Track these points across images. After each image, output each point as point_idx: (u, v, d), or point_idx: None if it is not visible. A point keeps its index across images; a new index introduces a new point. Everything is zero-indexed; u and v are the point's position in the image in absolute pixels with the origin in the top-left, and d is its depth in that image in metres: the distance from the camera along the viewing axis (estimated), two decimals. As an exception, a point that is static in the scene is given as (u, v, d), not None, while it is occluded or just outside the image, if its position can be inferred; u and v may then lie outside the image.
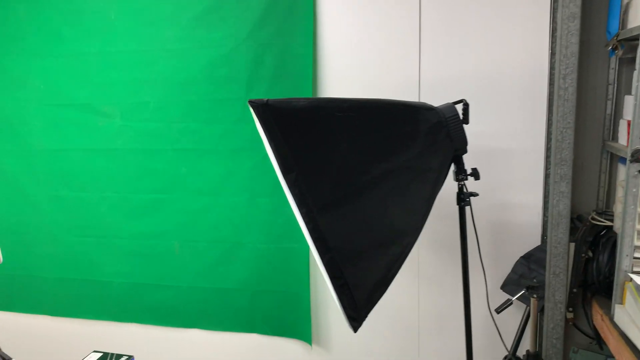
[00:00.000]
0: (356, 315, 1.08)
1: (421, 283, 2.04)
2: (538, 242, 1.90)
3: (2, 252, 2.48)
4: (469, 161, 1.39)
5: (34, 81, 2.30)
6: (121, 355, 1.39)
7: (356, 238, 1.10)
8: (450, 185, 1.40)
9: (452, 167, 1.37)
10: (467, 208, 1.40)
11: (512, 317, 1.91)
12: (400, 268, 1.17)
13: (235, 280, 2.23)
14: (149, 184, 2.25)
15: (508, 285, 1.86)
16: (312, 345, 2.19)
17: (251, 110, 1.05)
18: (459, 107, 1.33)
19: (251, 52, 2.04)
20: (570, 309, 1.72)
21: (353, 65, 1.98)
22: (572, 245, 1.70)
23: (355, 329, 1.10)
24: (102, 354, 1.41)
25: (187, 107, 2.15)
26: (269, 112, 1.03)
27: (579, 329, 1.80)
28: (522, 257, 1.88)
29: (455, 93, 1.79)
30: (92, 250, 2.38)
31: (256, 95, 2.06)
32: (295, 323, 2.19)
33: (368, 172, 1.11)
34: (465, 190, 1.39)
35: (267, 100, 1.03)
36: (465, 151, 1.32)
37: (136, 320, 2.39)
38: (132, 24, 2.15)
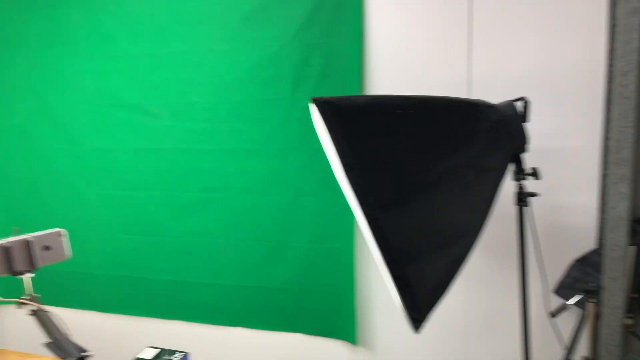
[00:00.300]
0: (418, 316, 1.07)
1: (470, 285, 2.00)
2: (592, 245, 1.84)
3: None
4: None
5: (87, 82, 2.37)
6: (175, 351, 1.41)
7: (417, 238, 1.08)
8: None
9: (511, 167, 1.33)
10: (525, 209, 1.36)
11: (563, 321, 1.85)
12: (462, 269, 1.14)
13: (280, 279, 2.23)
14: (196, 183, 2.28)
15: (562, 289, 1.80)
16: (357, 346, 2.17)
17: (312, 108, 1.05)
18: (519, 105, 1.29)
19: (298, 52, 2.05)
20: (630, 315, 1.66)
21: (400, 64, 1.96)
22: (632, 248, 1.63)
23: (417, 330, 1.08)
24: (157, 349, 1.43)
25: (234, 107, 2.17)
26: (331, 109, 1.02)
27: (638, 337, 1.73)
28: (577, 260, 1.82)
29: (506, 91, 1.75)
30: (140, 248, 2.43)
31: (302, 96, 2.07)
32: (340, 323, 2.18)
33: (430, 171, 1.10)
34: (524, 190, 1.35)
35: (330, 97, 1.03)
36: (525, 150, 1.29)
37: (182, 318, 2.43)
38: (181, 25, 2.19)
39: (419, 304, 1.06)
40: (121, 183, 2.40)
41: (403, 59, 1.96)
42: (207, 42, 2.16)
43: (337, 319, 2.18)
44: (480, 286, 1.99)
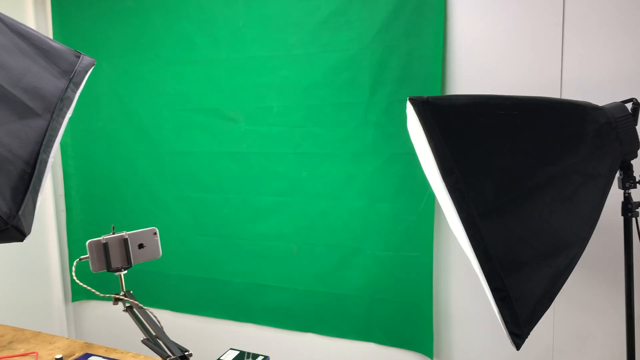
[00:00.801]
0: (519, 331, 0.99)
1: (558, 301, 1.87)
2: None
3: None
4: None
5: (167, 87, 2.44)
6: (257, 355, 1.39)
7: (520, 247, 1.01)
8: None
9: (618, 174, 1.23)
10: (633, 220, 1.24)
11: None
12: (566, 282, 1.06)
13: (353, 286, 2.19)
14: (270, 187, 2.29)
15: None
16: (433, 359, 2.09)
17: (409, 108, 1.01)
18: (629, 107, 1.19)
19: (376, 54, 2.01)
20: None
21: (485, 66, 1.87)
22: None
23: (518, 347, 1.01)
24: (239, 352, 1.43)
25: (309, 112, 2.16)
26: (429, 109, 0.97)
27: None
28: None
29: (604, 94, 1.63)
30: (214, 250, 2.46)
31: (379, 99, 2.02)
32: (415, 335, 2.11)
33: (533, 176, 1.02)
34: (632, 199, 1.24)
35: (427, 97, 0.98)
36: (635, 155, 1.18)
37: (253, 321, 2.44)
38: (260, 30, 2.21)
39: (519, 318, 0.99)
40: (198, 185, 2.45)
41: (488, 60, 1.87)
42: (284, 47, 2.17)
43: (413, 330, 2.11)
44: (571, 303, 1.86)
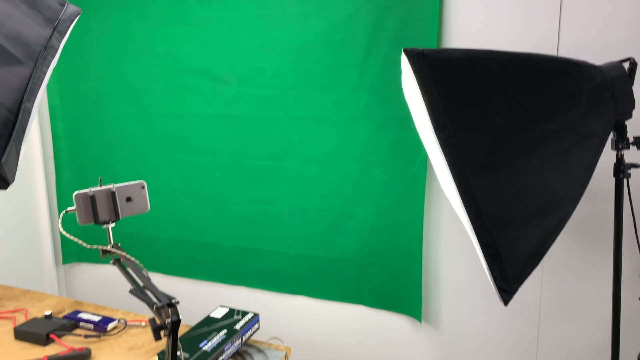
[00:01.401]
0: (507, 287, 1.00)
1: (545, 265, 1.89)
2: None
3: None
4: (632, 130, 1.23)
5: (157, 47, 2.38)
6: (247, 312, 1.40)
7: (510, 205, 1.01)
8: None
9: (611, 135, 1.22)
10: (624, 181, 1.24)
11: (654, 309, 1.72)
12: (555, 240, 1.06)
13: (344, 250, 2.20)
14: (263, 151, 2.27)
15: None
16: (422, 322, 2.12)
17: (404, 60, 0.98)
18: (625, 66, 1.17)
19: (372, 15, 1.96)
20: None
21: (481, 27, 1.84)
22: None
23: (505, 302, 1.02)
24: (228, 309, 1.43)
25: (302, 74, 2.13)
26: (424, 62, 0.95)
27: None
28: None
29: (601, 57, 1.60)
30: (205, 214, 2.46)
31: (374, 62, 1.99)
32: (404, 298, 2.13)
33: (527, 134, 1.01)
34: (624, 160, 1.23)
35: (423, 49, 0.96)
36: (630, 116, 1.17)
37: (244, 284, 2.45)
38: (252, -12, 2.15)
39: (508, 275, 0.99)
40: (189, 149, 2.42)
41: (484, 21, 1.84)
42: (277, 6, 2.12)
43: (402, 293, 2.13)
44: (558, 268, 1.88)
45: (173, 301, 0.82)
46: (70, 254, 2.84)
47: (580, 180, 1.08)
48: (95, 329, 1.44)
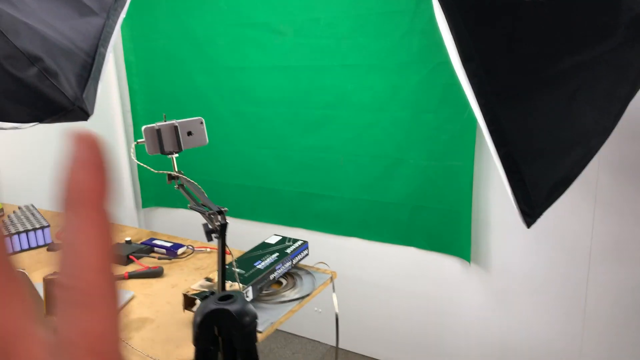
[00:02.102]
0: (530, 211, 1.06)
1: (597, 208, 1.89)
2: None
3: (194, 161, 2.86)
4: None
5: (219, 3, 2.51)
6: (297, 240, 1.54)
7: (537, 134, 1.05)
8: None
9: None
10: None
11: None
12: (584, 169, 1.09)
13: (396, 194, 2.29)
14: (318, 100, 2.37)
15: None
16: (471, 263, 2.19)
17: (433, -3, 1.04)
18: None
19: (423, -40, 1.97)
20: None
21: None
22: None
23: (528, 225, 1.08)
24: (281, 237, 1.58)
25: (356, 22, 2.18)
26: (452, -3, 1.00)
27: None
28: None
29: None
30: (267, 161, 2.62)
31: (426, 7, 2.01)
32: (454, 240, 2.20)
33: (556, 65, 1.04)
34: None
35: (451, -15, 1.01)
36: (674, 47, 1.15)
37: (303, 226, 2.61)
38: (306, -60, 2.20)
39: (532, 200, 1.05)
40: (251, 100, 2.57)
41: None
42: (331, -44, 2.16)
43: (452, 235, 2.20)
44: (610, 211, 1.87)
45: (223, 209, 0.96)
46: (148, 199, 3.13)
47: (612, 111, 1.09)
48: (167, 253, 1.64)
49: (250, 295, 1.27)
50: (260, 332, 1.19)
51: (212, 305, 0.80)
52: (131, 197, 3.10)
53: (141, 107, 2.98)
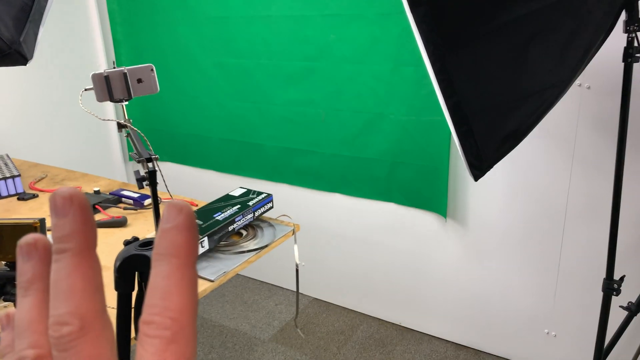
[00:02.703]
0: (478, 164, 1.04)
1: (575, 165, 1.86)
2: None
3: (178, 114, 2.83)
4: (648, 11, 1.16)
5: (201, -51, 2.43)
6: (262, 192, 1.54)
7: (488, 84, 1.02)
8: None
9: (623, 16, 1.15)
10: (636, 66, 1.19)
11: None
12: (538, 123, 1.06)
13: (375, 150, 2.27)
14: (300, 52, 2.32)
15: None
16: (447, 219, 2.18)
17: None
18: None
19: None
20: None
21: None
22: None
23: (476, 178, 1.06)
24: (246, 189, 1.58)
25: (336, -30, 2.10)
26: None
27: None
28: None
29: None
30: (249, 115, 2.59)
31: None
32: (431, 196, 2.19)
33: (510, 11, 0.99)
34: (637, 44, 1.17)
35: None
36: (642, -6, 1.10)
37: (286, 181, 2.61)
38: None
39: (481, 152, 1.03)
40: (233, 51, 2.51)
41: None
42: None
43: (429, 191, 2.19)
44: (587, 168, 1.84)
45: (152, 156, 0.95)
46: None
47: (570, 62, 1.05)
48: (134, 204, 1.65)
49: (206, 245, 1.28)
50: (212, 280, 1.20)
51: (133, 250, 0.80)
52: (119, 150, 3.10)
53: (125, 57, 2.94)
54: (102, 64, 2.94)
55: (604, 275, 1.45)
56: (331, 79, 2.28)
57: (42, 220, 0.87)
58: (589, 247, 1.92)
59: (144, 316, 0.20)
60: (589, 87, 1.74)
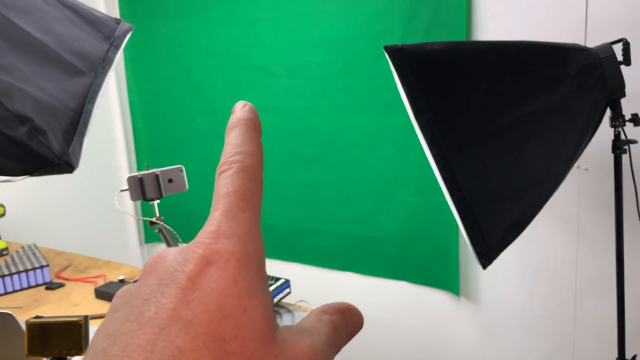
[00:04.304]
0: (485, 253, 1.11)
1: (580, 242, 1.92)
2: None
3: (195, 198, 2.95)
4: (632, 107, 1.28)
5: (217, 47, 2.65)
6: (280, 278, 1.61)
7: (489, 180, 1.11)
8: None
9: (609, 113, 1.27)
10: (625, 158, 1.29)
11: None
12: (539, 213, 1.15)
13: (386, 230, 2.35)
14: (310, 138, 2.46)
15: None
16: (460, 297, 2.22)
17: (386, 55, 1.13)
18: (618, 47, 1.22)
19: (406, 5, 2.08)
20: None
21: (511, 9, 1.89)
22: None
23: (484, 266, 1.13)
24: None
25: (344, 64, 2.29)
26: (402, 56, 1.09)
27: None
28: None
29: (631, 37, 1.61)
30: (263, 196, 2.69)
31: (409, 50, 2.10)
32: (443, 274, 2.24)
33: (506, 115, 1.11)
34: (623, 137, 1.28)
35: (402, 45, 1.09)
36: (622, 95, 1.22)
37: (299, 260, 2.67)
38: (296, -12, 2.33)
39: (487, 241, 1.11)
40: (247, 138, 2.66)
41: (514, 4, 1.89)
42: (319, 2, 2.29)
43: (441, 270, 2.24)
44: (593, 244, 1.91)
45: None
46: (151, 235, 3.22)
47: (563, 156, 1.16)
48: (157, 291, 1.72)
49: (229, 333, 1.33)
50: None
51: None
52: (135, 233, 3.20)
53: (145, 145, 3.10)
54: (122, 152, 3.10)
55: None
56: (341, 163, 2.41)
57: (86, 318, 0.94)
58: (601, 323, 1.94)
59: (220, 163, 0.24)
60: (586, 169, 1.84)
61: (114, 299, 0.22)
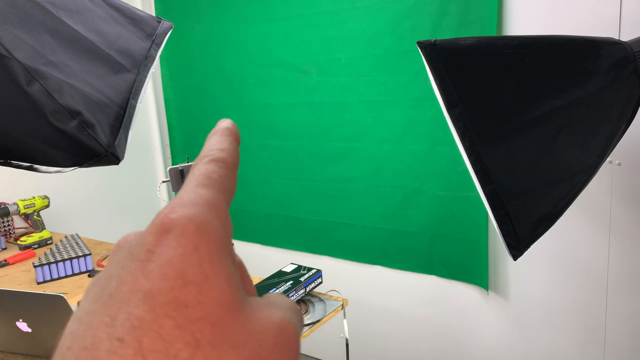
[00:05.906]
0: (516, 244, 1.13)
1: (612, 237, 1.91)
2: None
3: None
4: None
5: (249, 45, 2.71)
6: (312, 268, 1.65)
7: (520, 173, 1.13)
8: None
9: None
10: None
11: None
12: (569, 206, 1.16)
13: (415, 224, 2.37)
14: (340, 134, 2.50)
15: None
16: (489, 292, 2.23)
17: (419, 50, 1.15)
18: (653, 40, 1.22)
19: (436, 2, 2.09)
20: None
21: (542, 5, 1.89)
22: None
23: (515, 257, 1.15)
24: (297, 265, 1.69)
25: (374, 61, 2.31)
26: (435, 51, 1.11)
27: None
28: None
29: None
30: (293, 191, 2.75)
31: (439, 46, 2.11)
32: (472, 269, 2.25)
33: (537, 108, 1.13)
34: (657, 131, 1.28)
35: (435, 40, 1.12)
36: (657, 88, 1.22)
37: (328, 254, 2.71)
38: (327, -15, 2.37)
39: (518, 234, 1.13)
40: (277, 134, 2.72)
41: (543, 1, 1.89)
42: (350, 0, 2.32)
43: (470, 264, 2.25)
44: (625, 240, 1.89)
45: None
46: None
47: (595, 150, 1.16)
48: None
49: (263, 320, 1.38)
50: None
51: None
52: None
53: (179, 140, 3.19)
54: (157, 147, 3.20)
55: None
56: (370, 158, 2.44)
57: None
58: (633, 318, 1.93)
59: (198, 159, 0.25)
60: (619, 164, 1.83)
61: (88, 285, 0.22)
